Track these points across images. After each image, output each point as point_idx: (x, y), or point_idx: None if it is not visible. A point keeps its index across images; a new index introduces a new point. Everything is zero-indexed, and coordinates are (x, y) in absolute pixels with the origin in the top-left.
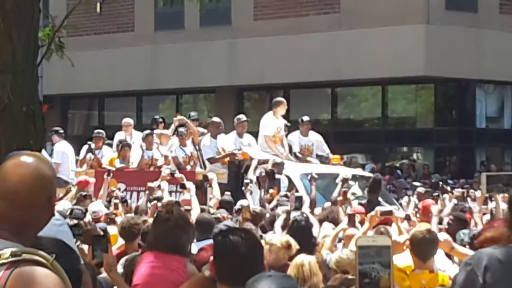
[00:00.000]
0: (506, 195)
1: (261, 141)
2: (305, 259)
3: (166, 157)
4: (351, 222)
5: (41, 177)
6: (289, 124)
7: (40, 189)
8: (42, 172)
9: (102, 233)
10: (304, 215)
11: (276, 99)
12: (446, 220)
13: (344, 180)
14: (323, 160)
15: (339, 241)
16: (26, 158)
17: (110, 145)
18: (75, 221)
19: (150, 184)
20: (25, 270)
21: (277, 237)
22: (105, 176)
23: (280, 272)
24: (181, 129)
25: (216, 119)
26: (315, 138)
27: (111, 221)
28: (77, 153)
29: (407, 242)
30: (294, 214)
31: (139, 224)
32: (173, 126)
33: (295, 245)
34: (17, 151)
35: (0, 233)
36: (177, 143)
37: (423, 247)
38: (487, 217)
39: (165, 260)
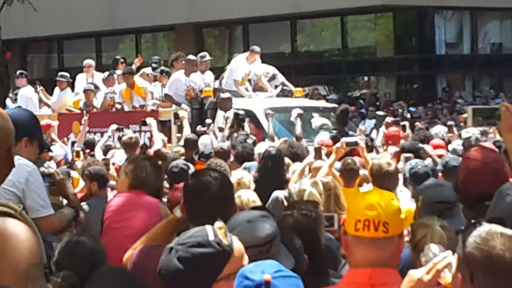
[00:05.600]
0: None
1: (229, 82)
2: (243, 192)
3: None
4: (318, 155)
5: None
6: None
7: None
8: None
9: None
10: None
11: (253, 47)
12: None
13: (300, 115)
14: (286, 93)
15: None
16: None
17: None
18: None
19: (113, 127)
20: None
21: (235, 174)
22: (84, 120)
23: (257, 212)
24: (164, 68)
25: (192, 57)
26: (266, 70)
27: (71, 167)
28: None
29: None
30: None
31: (103, 170)
32: (133, 67)
33: (247, 183)
34: None
35: None
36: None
37: (384, 179)
38: (457, 142)
39: (138, 197)
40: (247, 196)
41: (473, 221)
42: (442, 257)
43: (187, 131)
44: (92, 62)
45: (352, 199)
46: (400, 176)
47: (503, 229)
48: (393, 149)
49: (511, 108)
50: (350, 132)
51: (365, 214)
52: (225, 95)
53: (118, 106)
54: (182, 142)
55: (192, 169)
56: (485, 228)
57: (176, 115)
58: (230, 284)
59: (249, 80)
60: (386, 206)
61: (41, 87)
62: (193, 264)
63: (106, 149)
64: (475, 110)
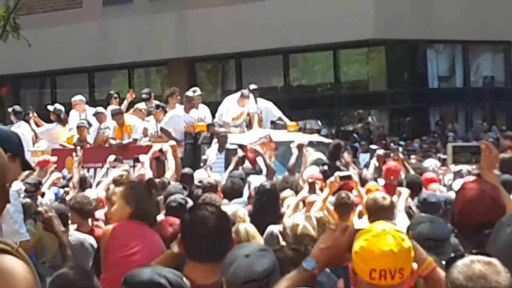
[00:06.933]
0: (474, 167)
1: (219, 121)
2: (241, 226)
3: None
4: (312, 190)
5: None
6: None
7: None
8: None
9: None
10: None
11: (243, 92)
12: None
13: (300, 146)
14: (279, 127)
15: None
16: None
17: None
18: (28, 200)
19: (110, 159)
20: None
21: (229, 208)
22: (78, 154)
23: (255, 245)
24: (157, 102)
25: (190, 93)
26: (263, 105)
27: (62, 201)
28: None
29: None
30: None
31: (90, 203)
32: (125, 103)
33: (242, 216)
34: None
35: None
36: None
37: (380, 214)
38: (449, 176)
39: (143, 230)
40: (246, 229)
41: (452, 254)
42: None
43: (171, 165)
44: (80, 98)
45: (362, 241)
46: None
47: (485, 257)
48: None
49: (491, 146)
50: (342, 168)
51: (380, 264)
52: (221, 130)
53: (112, 142)
54: (168, 175)
55: (190, 203)
56: (468, 257)
57: (160, 150)
58: None
59: (248, 114)
60: (400, 251)
61: (34, 114)
62: None
63: (97, 185)
64: (455, 147)
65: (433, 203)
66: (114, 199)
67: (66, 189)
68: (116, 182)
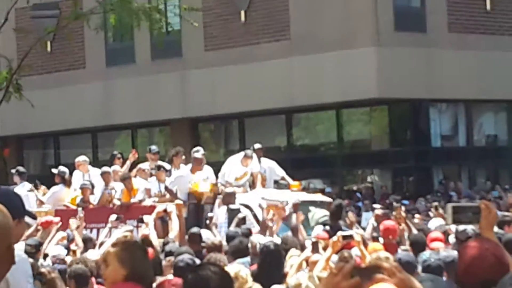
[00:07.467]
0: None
1: (223, 183)
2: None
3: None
4: (315, 249)
5: None
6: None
7: None
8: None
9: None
10: (273, 241)
11: (246, 152)
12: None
13: (295, 206)
14: (283, 187)
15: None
16: None
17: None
18: (31, 260)
19: (112, 218)
20: None
21: (231, 268)
22: (80, 216)
23: None
24: (161, 163)
25: (198, 155)
26: (267, 165)
27: (62, 262)
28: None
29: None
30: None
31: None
32: (128, 163)
33: (245, 277)
34: None
35: None
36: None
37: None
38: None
39: None
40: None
41: None
42: None
43: (175, 225)
44: (83, 158)
45: None
46: None
47: None
48: None
49: (490, 205)
50: (344, 228)
51: None
52: (229, 189)
53: (117, 202)
54: (172, 235)
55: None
56: None
57: (164, 210)
58: None
59: (251, 174)
60: None
61: (43, 186)
62: None
63: (100, 245)
64: (455, 207)
65: (408, 262)
66: (109, 259)
67: (73, 247)
68: None
